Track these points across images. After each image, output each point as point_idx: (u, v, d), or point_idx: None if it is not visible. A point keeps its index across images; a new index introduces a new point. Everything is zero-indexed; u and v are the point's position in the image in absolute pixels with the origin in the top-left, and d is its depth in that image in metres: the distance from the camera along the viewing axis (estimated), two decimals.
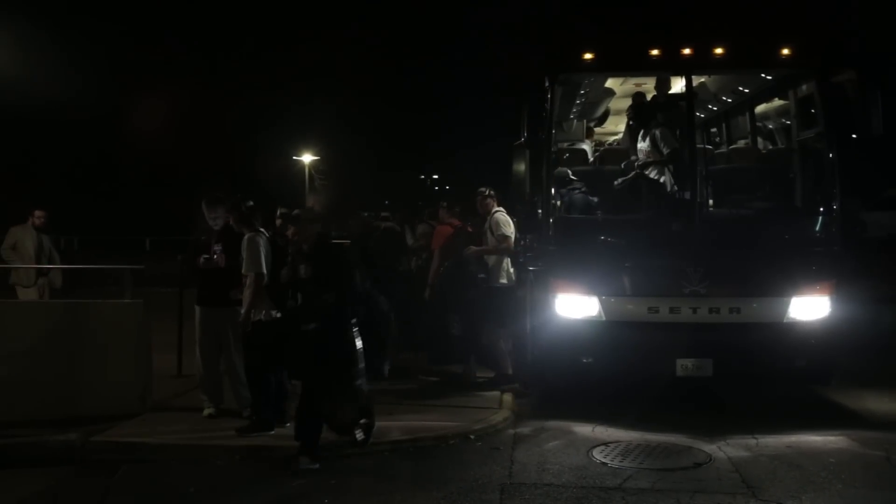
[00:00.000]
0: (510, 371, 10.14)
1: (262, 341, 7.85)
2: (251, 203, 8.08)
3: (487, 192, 10.29)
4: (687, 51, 9.07)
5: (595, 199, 9.72)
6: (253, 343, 7.87)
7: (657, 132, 9.66)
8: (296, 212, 11.43)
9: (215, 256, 8.26)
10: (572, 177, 9.89)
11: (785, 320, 8.64)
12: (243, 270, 7.80)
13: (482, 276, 10.03)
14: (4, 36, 24.55)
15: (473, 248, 10.15)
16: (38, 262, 11.68)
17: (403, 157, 63.47)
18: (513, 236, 10.02)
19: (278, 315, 7.94)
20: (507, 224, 10.03)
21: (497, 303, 10.01)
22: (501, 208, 10.25)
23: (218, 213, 8.41)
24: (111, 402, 8.27)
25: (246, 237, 7.84)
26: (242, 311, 7.81)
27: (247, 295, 7.78)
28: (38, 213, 11.95)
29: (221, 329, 8.31)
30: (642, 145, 9.86)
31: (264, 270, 7.77)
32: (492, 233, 10.01)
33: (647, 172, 9.63)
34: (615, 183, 9.71)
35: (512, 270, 10.10)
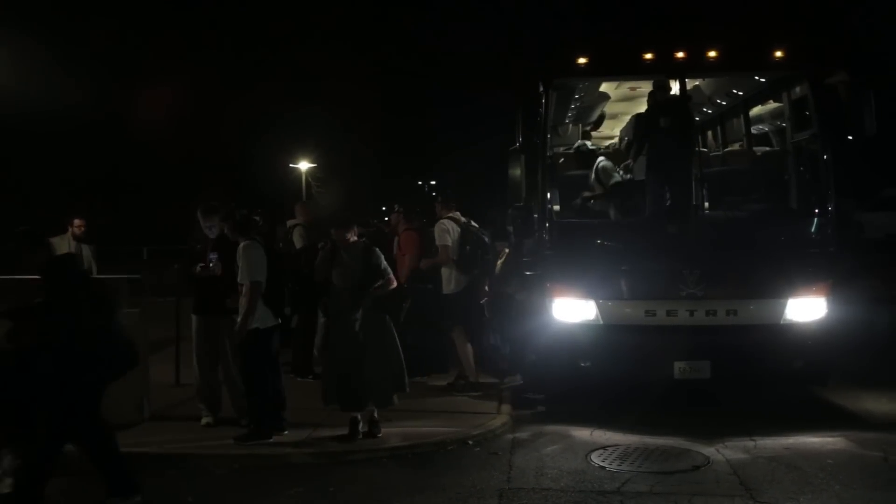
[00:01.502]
0: (471, 377, 10.05)
1: (258, 350, 7.86)
2: (245, 211, 8.10)
3: (439, 199, 10.39)
4: (680, 54, 9.10)
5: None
6: (250, 351, 7.87)
7: (600, 165, 9.73)
8: (291, 222, 11.53)
9: (211, 265, 8.25)
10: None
11: (782, 322, 8.66)
12: (239, 279, 7.80)
13: (430, 286, 10.16)
14: None
15: (424, 260, 10.21)
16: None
17: (401, 163, 63.47)
18: (450, 244, 9.81)
19: (277, 322, 7.96)
20: (443, 233, 9.88)
21: (442, 309, 10.04)
22: (453, 214, 10.10)
23: (213, 222, 8.41)
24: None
25: (241, 245, 7.83)
26: (239, 319, 7.81)
27: (243, 303, 7.78)
28: (77, 222, 11.34)
29: (219, 338, 8.30)
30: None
31: (260, 278, 7.78)
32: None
33: (589, 205, 9.76)
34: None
35: (453, 280, 9.89)
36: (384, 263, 8.02)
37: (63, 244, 11.05)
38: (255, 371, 7.89)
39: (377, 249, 8.08)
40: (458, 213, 10.15)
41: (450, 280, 9.90)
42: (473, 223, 10.19)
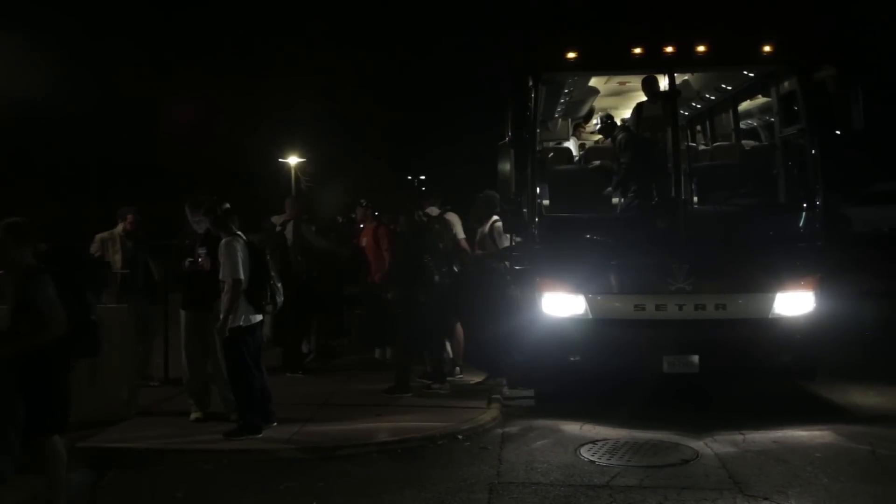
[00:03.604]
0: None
1: (244, 347, 7.82)
2: (227, 206, 8.02)
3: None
4: (669, 49, 9.10)
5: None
6: (235, 350, 7.82)
7: (496, 225, 10.20)
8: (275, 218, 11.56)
9: (200, 260, 8.22)
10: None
11: (770, 316, 8.68)
12: (220, 276, 7.76)
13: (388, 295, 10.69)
14: None
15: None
16: (129, 277, 9.80)
17: (391, 157, 63.39)
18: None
19: (258, 319, 7.94)
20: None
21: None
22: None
23: (201, 217, 8.37)
24: (97, 408, 8.21)
25: (223, 242, 7.78)
26: (220, 317, 7.76)
27: (224, 301, 7.73)
28: (129, 217, 10.03)
29: (207, 333, 8.27)
30: None
31: (241, 276, 7.70)
32: None
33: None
34: None
35: None
36: (43, 298, 5.54)
37: (112, 243, 9.91)
38: (242, 368, 7.87)
39: (42, 278, 5.61)
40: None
41: None
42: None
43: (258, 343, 8.14)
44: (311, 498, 6.53)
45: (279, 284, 8.12)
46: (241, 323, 7.78)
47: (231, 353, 7.87)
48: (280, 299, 8.13)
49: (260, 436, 7.79)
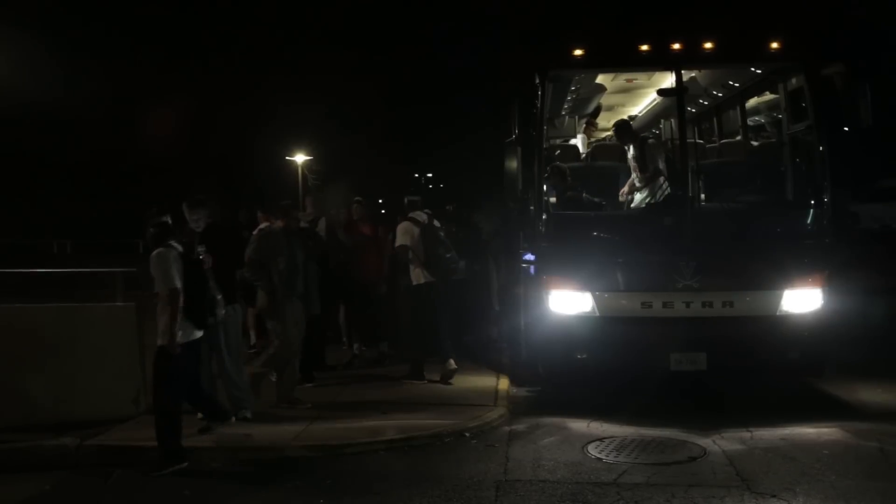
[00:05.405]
0: None
1: (170, 362, 7.22)
2: (166, 219, 7.58)
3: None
4: (676, 45, 9.07)
5: (593, 199, 9.75)
6: (160, 361, 7.27)
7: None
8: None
9: (200, 257, 8.19)
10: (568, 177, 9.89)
11: (778, 313, 8.67)
12: (155, 289, 7.31)
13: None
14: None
15: None
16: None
17: (397, 156, 63.43)
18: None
19: (198, 335, 7.54)
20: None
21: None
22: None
23: (199, 215, 8.25)
24: (105, 406, 8.26)
25: (154, 254, 7.31)
26: (159, 337, 7.20)
27: (162, 316, 7.20)
28: (293, 212, 9.43)
29: (211, 330, 8.24)
30: None
31: (177, 285, 7.19)
32: None
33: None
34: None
35: None
36: None
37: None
38: (164, 385, 7.27)
39: None
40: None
41: None
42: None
43: (196, 360, 7.67)
44: (319, 496, 6.54)
45: (219, 296, 7.70)
46: (179, 339, 7.23)
47: (157, 364, 7.31)
48: (221, 312, 7.72)
49: (185, 464, 7.15)
